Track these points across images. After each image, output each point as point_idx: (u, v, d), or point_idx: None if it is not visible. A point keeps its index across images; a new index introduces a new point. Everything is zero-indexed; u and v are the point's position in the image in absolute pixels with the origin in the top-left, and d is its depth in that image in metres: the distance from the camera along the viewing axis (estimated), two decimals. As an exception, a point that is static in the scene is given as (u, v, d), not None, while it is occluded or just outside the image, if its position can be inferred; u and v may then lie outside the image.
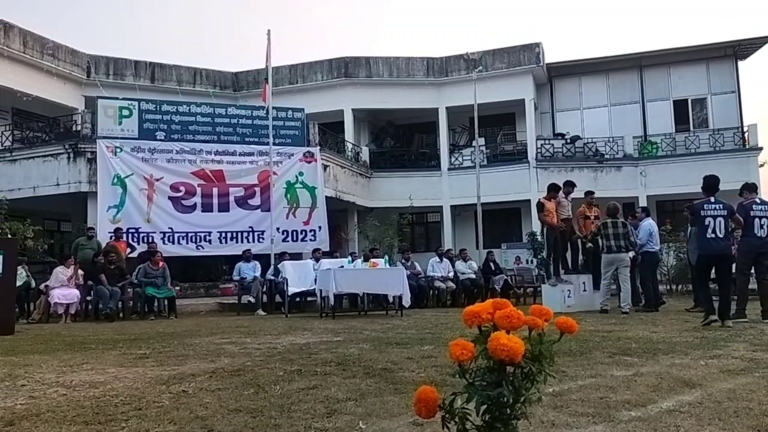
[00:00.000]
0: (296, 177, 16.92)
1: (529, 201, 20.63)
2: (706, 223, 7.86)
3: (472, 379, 1.41)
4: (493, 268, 14.62)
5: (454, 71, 22.52)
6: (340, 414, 3.28)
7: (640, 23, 59.30)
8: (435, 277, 13.72)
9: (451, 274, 13.95)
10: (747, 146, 21.01)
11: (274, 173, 15.67)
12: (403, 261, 13.80)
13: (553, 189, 11.31)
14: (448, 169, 22.38)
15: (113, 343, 7.12)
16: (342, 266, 11.12)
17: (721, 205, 7.96)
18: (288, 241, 16.35)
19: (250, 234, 16.09)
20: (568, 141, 22.02)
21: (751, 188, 8.75)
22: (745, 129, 21.33)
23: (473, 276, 14.04)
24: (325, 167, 17.77)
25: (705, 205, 7.94)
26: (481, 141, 21.53)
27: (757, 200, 8.60)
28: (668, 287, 16.61)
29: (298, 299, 12.52)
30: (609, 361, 4.97)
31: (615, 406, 3.33)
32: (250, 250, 13.96)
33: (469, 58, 22.09)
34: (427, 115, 22.93)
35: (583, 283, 10.91)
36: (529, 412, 1.42)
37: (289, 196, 16.79)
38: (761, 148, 20.95)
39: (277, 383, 4.21)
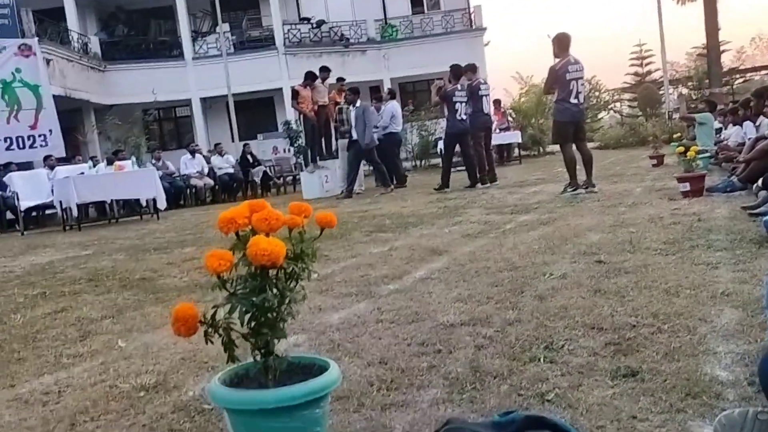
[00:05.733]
0: (13, 75, 14.43)
1: (281, 89, 20.39)
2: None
3: (234, 289, 1.32)
4: (251, 160, 14.42)
5: (187, -51, 20.63)
6: (96, 335, 3.02)
7: None
8: (190, 175, 13.14)
9: (206, 170, 13.47)
10: (474, 27, 22.82)
11: (-17, 71, 13.27)
12: (154, 161, 12.94)
13: (309, 77, 11.29)
14: (193, 59, 20.99)
15: None
16: (83, 173, 10.04)
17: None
18: (13, 150, 14.17)
19: (-37, 145, 13.67)
20: (315, 25, 21.89)
21: (473, 69, 9.72)
22: (472, 10, 23.06)
23: (231, 170, 13.73)
24: (47, 61, 15.49)
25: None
26: (226, 27, 20.41)
27: (481, 80, 9.64)
28: (413, 164, 18.01)
29: (34, 213, 11.16)
30: (367, 240, 5.25)
31: (375, 282, 3.53)
32: (-41, 167, 11.90)
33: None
34: (163, -2, 20.97)
35: (339, 167, 11.28)
36: (295, 311, 1.38)
37: (7, 97, 14.34)
38: (485, 29, 22.93)
39: (17, 311, 3.73)
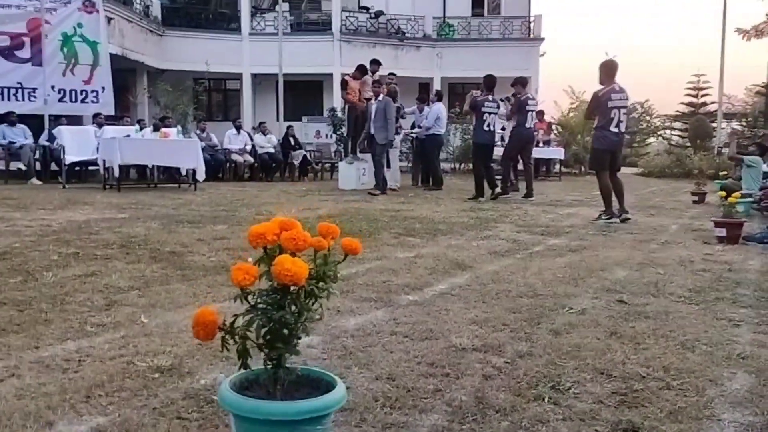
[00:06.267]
0: (74, 29, 14.83)
1: (332, 75, 20.48)
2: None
3: (255, 301, 1.38)
4: (292, 143, 14.56)
5: (259, -74, 20.85)
6: (121, 306, 3.13)
7: None
8: (232, 150, 13.34)
9: (249, 147, 13.66)
10: (532, 36, 22.60)
11: (47, 22, 13.62)
12: (199, 132, 13.17)
13: (360, 69, 11.36)
14: (249, 34, 21.23)
15: None
16: (128, 135, 10.28)
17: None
18: (65, 102, 14.58)
19: (19, 91, 14.04)
20: (373, 15, 21.93)
21: (524, 83, 9.69)
22: (532, 19, 22.83)
23: (272, 150, 13.89)
24: (109, 20, 15.83)
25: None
26: (285, 6, 20.58)
27: (530, 96, 9.63)
28: (452, 166, 17.98)
29: (77, 168, 11.48)
30: (395, 243, 5.29)
31: (396, 290, 3.57)
32: (14, 112, 12.22)
33: None
34: (228, -29, 21.23)
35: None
36: (311, 328, 1.43)
37: (66, 50, 14.74)
38: (543, 39, 22.70)
39: (50, 269, 3.88)
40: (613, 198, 7.22)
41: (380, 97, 10.15)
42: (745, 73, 51.37)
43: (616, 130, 6.98)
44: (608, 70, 7.05)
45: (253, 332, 1.38)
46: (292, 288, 1.38)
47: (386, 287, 3.62)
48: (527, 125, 9.58)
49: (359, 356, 2.42)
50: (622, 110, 7.01)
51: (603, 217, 7.11)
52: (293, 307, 1.38)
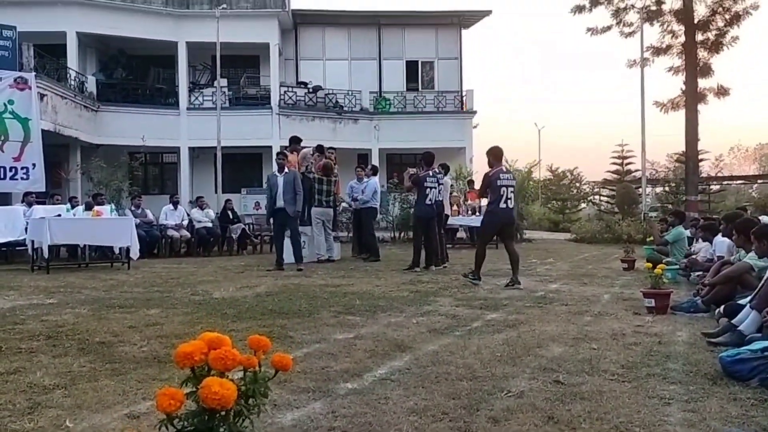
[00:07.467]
0: (5, 105, 14.51)
1: (270, 147, 20.67)
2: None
3: (181, 425, 1.34)
4: (230, 216, 14.42)
5: (195, 4, 21.25)
6: (45, 408, 2.96)
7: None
8: (168, 226, 13.10)
9: (186, 222, 13.45)
10: (464, 109, 23.52)
11: (-24, 99, 13.33)
12: (133, 208, 12.90)
13: (294, 141, 11.55)
14: (187, 109, 21.30)
15: None
16: (59, 215, 9.98)
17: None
18: (-6, 179, 14.13)
19: (-55, 168, 13.57)
20: (311, 90, 22.41)
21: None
22: (464, 93, 23.80)
23: (210, 225, 13.71)
24: (41, 96, 15.61)
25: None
26: (224, 82, 20.84)
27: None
28: (392, 235, 18.13)
29: (4, 249, 11.01)
30: (334, 322, 5.24)
31: (335, 377, 3.51)
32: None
33: (212, -7, 20.98)
34: (166, 48, 21.38)
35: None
36: (241, 447, 1.40)
37: (-5, 126, 14.41)
38: (476, 112, 23.67)
39: (-33, 368, 3.66)
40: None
41: (286, 170, 10.07)
42: (667, 140, 54.73)
43: (504, 206, 7.87)
44: (496, 155, 8.11)
45: (180, 457, 1.34)
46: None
47: (325, 374, 3.56)
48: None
49: (296, 458, 2.36)
50: (510, 188, 7.93)
51: (470, 276, 7.87)
52: (221, 429, 1.35)
